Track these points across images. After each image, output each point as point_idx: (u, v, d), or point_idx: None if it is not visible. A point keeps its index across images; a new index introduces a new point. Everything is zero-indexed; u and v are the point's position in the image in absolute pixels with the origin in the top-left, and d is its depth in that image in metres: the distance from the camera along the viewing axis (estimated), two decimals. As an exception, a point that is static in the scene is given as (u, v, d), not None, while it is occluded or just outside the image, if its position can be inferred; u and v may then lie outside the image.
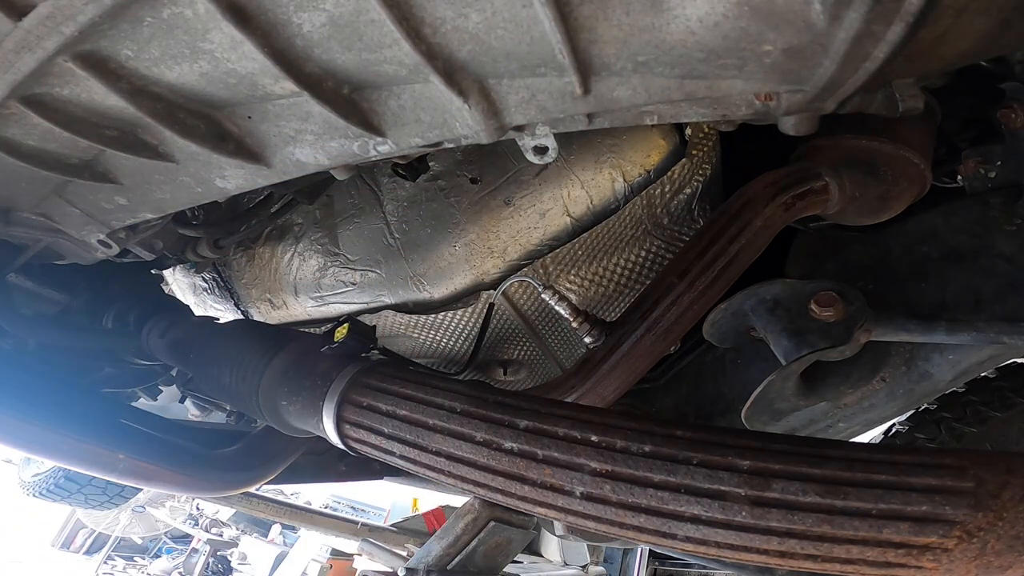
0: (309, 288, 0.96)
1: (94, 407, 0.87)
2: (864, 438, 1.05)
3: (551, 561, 3.32)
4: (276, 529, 6.43)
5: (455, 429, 0.53)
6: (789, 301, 0.72)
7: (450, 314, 0.90)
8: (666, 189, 0.83)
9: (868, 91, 0.45)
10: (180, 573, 6.86)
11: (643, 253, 0.90)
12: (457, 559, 1.37)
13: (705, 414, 1.00)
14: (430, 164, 0.85)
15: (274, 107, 0.53)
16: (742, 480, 0.43)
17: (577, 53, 0.43)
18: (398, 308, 0.92)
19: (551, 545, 3.30)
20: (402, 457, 0.55)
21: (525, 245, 0.84)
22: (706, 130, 0.83)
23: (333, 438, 0.59)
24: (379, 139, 0.54)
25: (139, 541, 7.47)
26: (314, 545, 5.20)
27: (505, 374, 1.02)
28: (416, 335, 0.95)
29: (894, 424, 1.23)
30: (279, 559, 5.86)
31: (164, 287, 1.17)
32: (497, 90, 0.49)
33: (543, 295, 0.78)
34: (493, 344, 0.99)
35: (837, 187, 0.71)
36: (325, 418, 0.59)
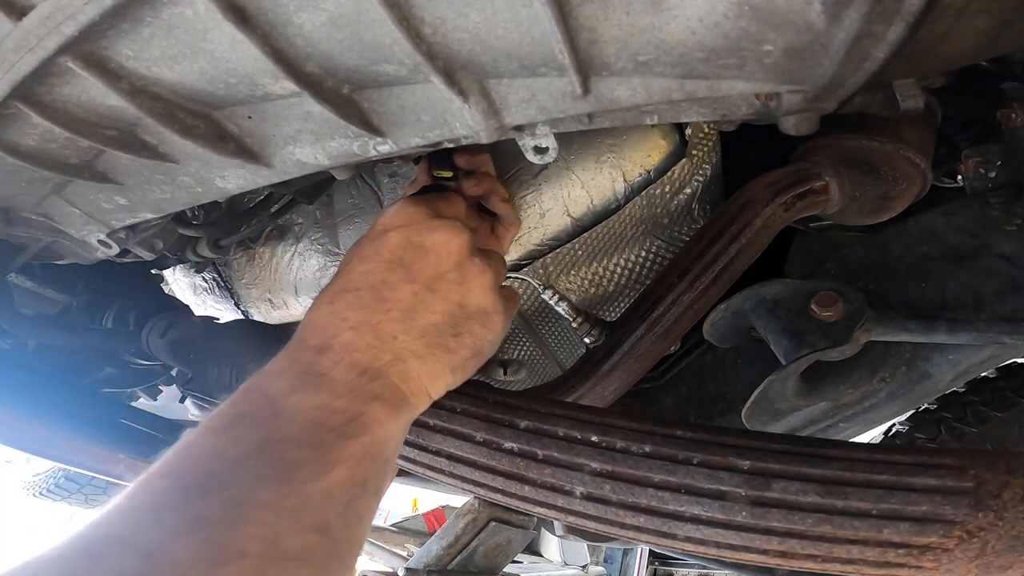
0: (309, 288, 0.96)
1: (94, 407, 0.87)
2: (864, 438, 1.05)
3: (551, 561, 3.32)
4: (276, 529, 6.41)
5: (455, 429, 0.53)
6: (789, 301, 0.72)
7: (450, 314, 0.90)
8: (666, 189, 0.83)
9: (868, 91, 0.46)
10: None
11: (643, 253, 0.90)
12: (457, 559, 1.37)
13: (705, 414, 1.00)
14: (430, 164, 0.85)
15: (274, 107, 0.53)
16: (742, 480, 0.43)
17: (577, 53, 0.43)
18: (398, 308, 0.92)
19: (551, 545, 3.30)
20: (402, 457, 0.55)
21: (525, 245, 0.84)
22: (706, 130, 0.82)
23: (333, 438, 0.59)
24: (379, 139, 0.54)
25: (139, 541, 7.46)
26: (314, 545, 5.18)
27: (505, 374, 1.02)
28: (416, 335, 0.95)
29: (894, 424, 1.23)
30: (279, 559, 5.84)
31: (164, 287, 1.17)
32: (497, 90, 0.49)
33: (543, 295, 0.78)
34: (493, 344, 0.99)
35: (837, 187, 0.71)
36: (325, 418, 0.59)
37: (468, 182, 0.69)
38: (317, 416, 0.41)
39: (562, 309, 0.77)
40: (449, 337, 0.50)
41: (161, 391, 1.11)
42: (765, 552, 0.43)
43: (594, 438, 0.48)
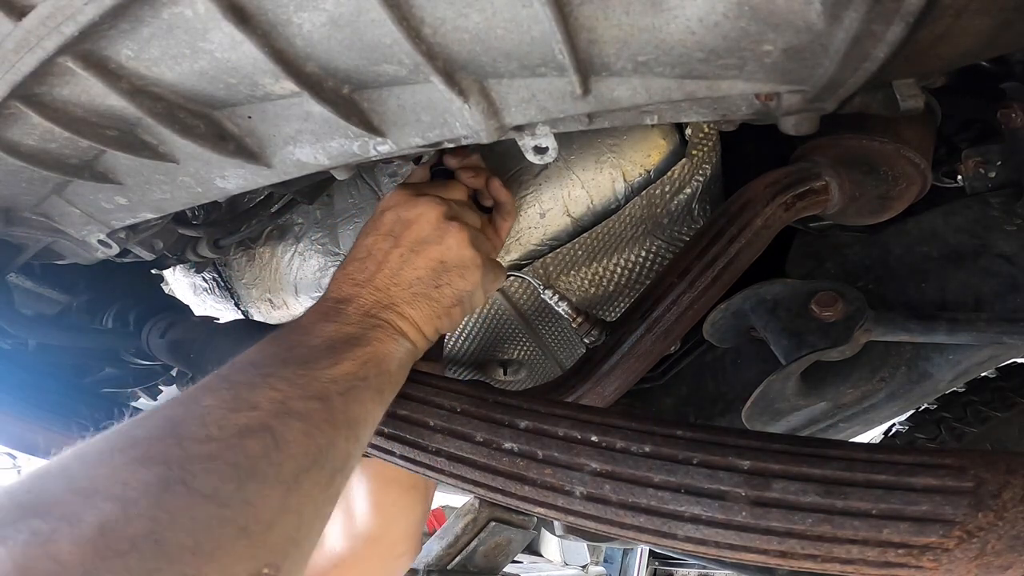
0: (310, 288, 0.96)
1: (94, 407, 0.87)
2: (864, 438, 1.05)
3: (551, 561, 3.32)
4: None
5: (455, 429, 0.53)
6: (789, 301, 0.72)
7: (450, 314, 0.90)
8: (666, 189, 0.83)
9: (868, 91, 0.46)
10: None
11: (643, 253, 0.90)
12: (457, 559, 1.37)
13: (705, 414, 1.00)
14: (430, 164, 0.85)
15: (274, 107, 0.53)
16: (742, 480, 0.43)
17: (577, 53, 0.43)
18: (398, 308, 0.92)
19: (551, 545, 3.30)
20: (402, 457, 0.55)
21: (525, 245, 0.84)
22: (706, 130, 0.82)
23: (333, 438, 0.59)
24: (379, 139, 0.54)
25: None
26: (314, 545, 5.18)
27: (505, 374, 1.02)
28: (416, 335, 0.95)
29: (894, 424, 1.23)
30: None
31: (164, 287, 1.17)
32: (497, 90, 0.49)
33: (543, 295, 0.78)
34: (493, 344, 0.99)
35: (837, 187, 0.71)
36: (325, 418, 0.59)
37: (465, 175, 0.74)
38: (334, 335, 0.54)
39: (562, 309, 0.77)
40: (432, 288, 0.61)
41: (161, 391, 1.11)
42: (765, 552, 0.43)
43: (594, 438, 0.48)
